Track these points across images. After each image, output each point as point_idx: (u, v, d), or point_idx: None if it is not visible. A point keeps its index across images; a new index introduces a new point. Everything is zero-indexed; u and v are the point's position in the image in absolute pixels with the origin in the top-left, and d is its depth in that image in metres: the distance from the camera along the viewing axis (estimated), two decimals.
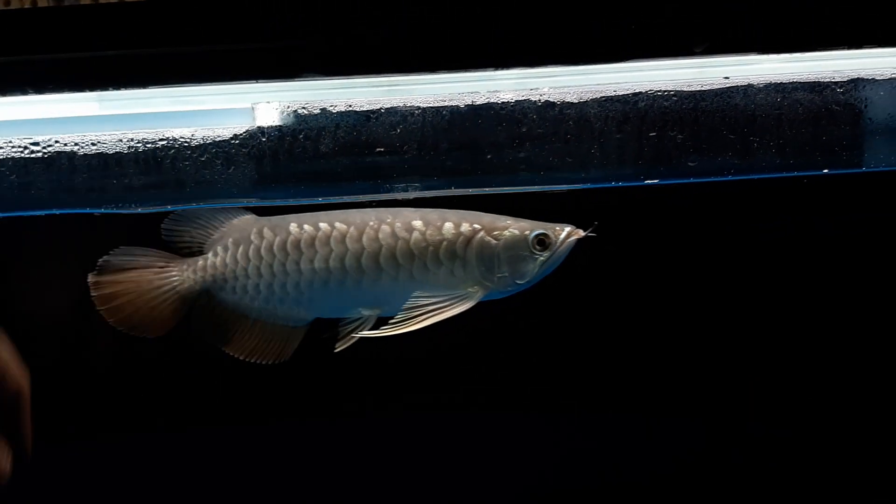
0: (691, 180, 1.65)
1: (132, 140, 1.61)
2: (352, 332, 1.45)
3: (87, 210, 1.64)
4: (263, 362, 1.52)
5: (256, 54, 1.54)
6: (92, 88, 1.56)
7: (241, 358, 1.52)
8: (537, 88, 1.61)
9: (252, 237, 1.50)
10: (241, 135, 1.61)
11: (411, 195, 1.64)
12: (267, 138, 1.61)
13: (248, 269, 1.50)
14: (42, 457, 1.37)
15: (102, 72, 1.54)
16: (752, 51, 1.56)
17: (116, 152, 1.61)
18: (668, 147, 1.63)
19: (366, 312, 1.47)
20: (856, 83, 1.61)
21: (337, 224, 1.48)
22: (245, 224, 1.53)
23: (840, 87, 1.61)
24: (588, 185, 1.65)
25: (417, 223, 1.46)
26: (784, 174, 1.65)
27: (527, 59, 1.57)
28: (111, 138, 1.60)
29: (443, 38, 1.53)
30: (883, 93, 1.62)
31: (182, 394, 1.82)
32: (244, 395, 1.80)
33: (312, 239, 1.48)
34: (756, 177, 1.65)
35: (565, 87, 1.61)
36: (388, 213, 1.48)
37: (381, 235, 1.46)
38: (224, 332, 1.52)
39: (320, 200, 1.65)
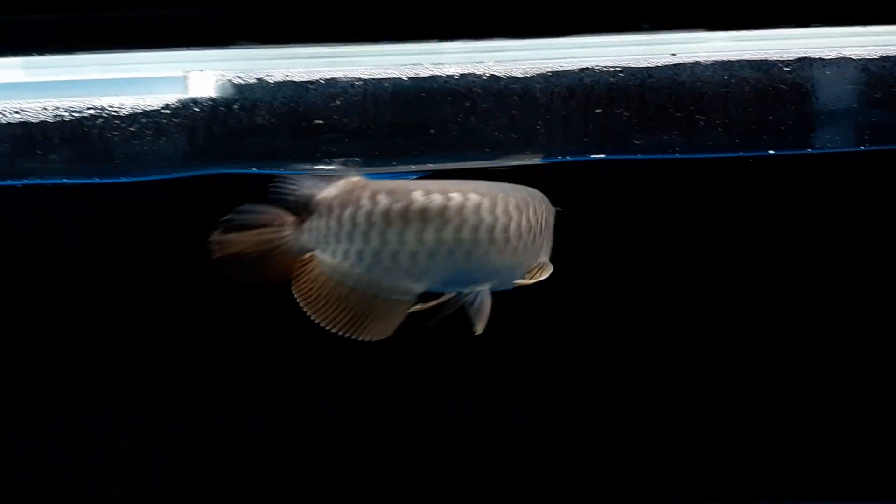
0: (637, 156, 1.60)
1: (58, 108, 1.52)
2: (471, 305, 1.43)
3: (7, 182, 1.54)
4: (361, 338, 1.42)
5: (190, 20, 1.49)
6: (16, 53, 1.49)
7: (336, 331, 1.42)
8: (483, 62, 1.56)
9: (363, 200, 1.42)
10: (172, 105, 1.53)
11: (350, 171, 1.57)
12: (200, 109, 1.53)
13: (355, 233, 1.42)
14: None
15: (29, 36, 1.47)
16: (700, 27, 1.54)
17: (41, 121, 1.52)
18: (614, 124, 1.58)
19: (481, 287, 1.44)
20: (802, 62, 1.59)
21: (471, 195, 1.41)
22: (356, 186, 1.45)
23: (787, 66, 1.58)
24: (534, 161, 1.60)
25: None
26: (730, 154, 1.61)
27: (473, 32, 1.53)
28: (35, 106, 1.52)
29: (388, 6, 1.49)
30: (830, 73, 1.60)
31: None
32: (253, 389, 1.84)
33: (443, 208, 1.40)
34: (702, 156, 1.61)
35: (511, 60, 1.56)
36: (501, 185, 1.45)
37: (510, 208, 1.42)
38: (320, 301, 1.42)
39: (254, 171, 1.57)
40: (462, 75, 1.56)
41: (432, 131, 1.57)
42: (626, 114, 1.58)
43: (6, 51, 1.50)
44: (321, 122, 1.55)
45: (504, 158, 1.59)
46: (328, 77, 1.55)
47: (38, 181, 1.55)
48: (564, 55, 1.57)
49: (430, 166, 1.59)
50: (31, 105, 1.52)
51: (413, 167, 1.58)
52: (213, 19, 1.56)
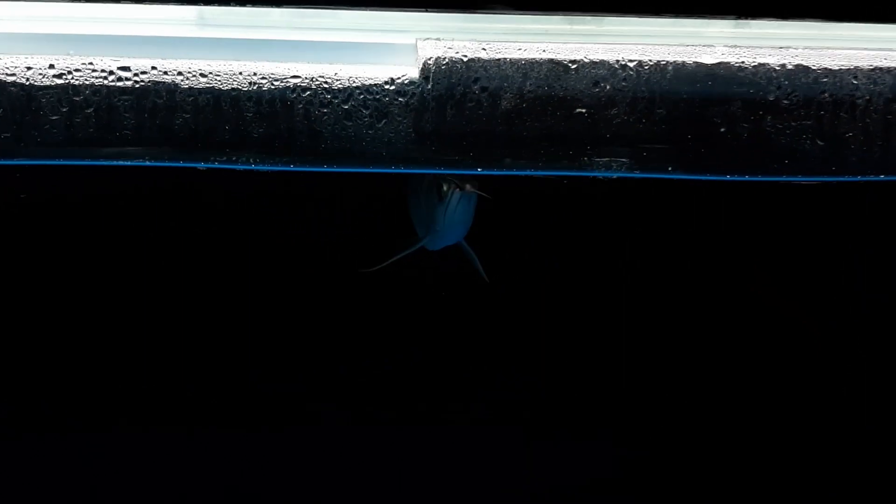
0: None
1: (255, 75, 1.19)
2: None
3: (189, 164, 1.20)
4: None
5: None
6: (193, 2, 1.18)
7: None
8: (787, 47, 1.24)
9: None
10: (398, 79, 1.20)
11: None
12: (432, 86, 1.20)
13: None
14: None
15: None
16: None
17: (232, 89, 1.19)
18: None
19: None
20: None
21: None
22: None
23: None
24: (840, 178, 1.25)
25: None
26: None
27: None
28: (226, 69, 1.19)
29: None
30: None
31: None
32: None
33: None
34: None
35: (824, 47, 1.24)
36: None
37: None
38: None
39: (496, 173, 1.23)
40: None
41: (722, 130, 1.22)
42: None
43: None
44: (583, 110, 1.21)
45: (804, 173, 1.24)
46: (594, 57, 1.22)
47: (223, 165, 1.20)
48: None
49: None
50: (220, 67, 1.18)
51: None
52: None
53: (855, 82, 1.22)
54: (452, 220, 1.49)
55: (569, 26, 1.24)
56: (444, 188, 1.47)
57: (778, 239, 1.80)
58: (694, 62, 1.23)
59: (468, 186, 1.44)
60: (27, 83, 1.17)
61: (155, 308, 1.84)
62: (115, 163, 1.20)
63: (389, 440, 1.90)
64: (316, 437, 1.90)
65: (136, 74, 1.19)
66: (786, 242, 1.80)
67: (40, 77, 1.17)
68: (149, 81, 1.19)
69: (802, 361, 1.89)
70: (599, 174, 1.23)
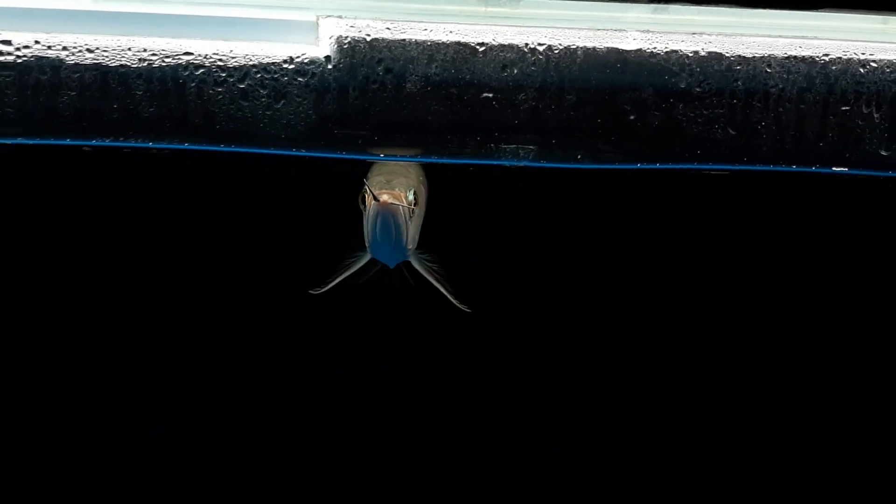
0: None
1: (145, 51, 1.13)
2: None
3: (75, 142, 1.14)
4: None
5: None
6: None
7: None
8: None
9: None
10: (298, 58, 1.15)
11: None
12: (334, 66, 1.15)
13: None
14: None
15: None
16: None
17: (121, 65, 1.13)
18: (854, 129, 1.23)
19: None
20: None
21: None
22: None
23: None
24: (751, 167, 1.23)
25: None
26: None
27: None
28: (114, 44, 1.13)
29: None
30: None
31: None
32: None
33: None
34: None
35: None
36: None
37: None
38: None
39: (399, 160, 1.19)
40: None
41: (631, 118, 1.19)
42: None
43: None
44: (490, 94, 1.16)
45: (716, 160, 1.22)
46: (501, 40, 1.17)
47: (110, 143, 1.14)
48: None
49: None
50: (108, 41, 1.12)
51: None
52: None
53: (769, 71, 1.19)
54: (375, 234, 1.33)
55: (483, 8, 1.20)
56: (366, 198, 1.32)
57: (778, 237, 1.78)
58: (605, 47, 1.18)
59: (387, 198, 1.30)
60: None
61: (154, 308, 1.80)
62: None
63: (389, 440, 1.89)
64: (316, 437, 1.89)
65: (17, 49, 1.12)
66: (784, 240, 1.79)
67: None
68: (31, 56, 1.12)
69: (802, 362, 1.86)
70: (507, 162, 1.19)
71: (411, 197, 1.32)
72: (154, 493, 1.87)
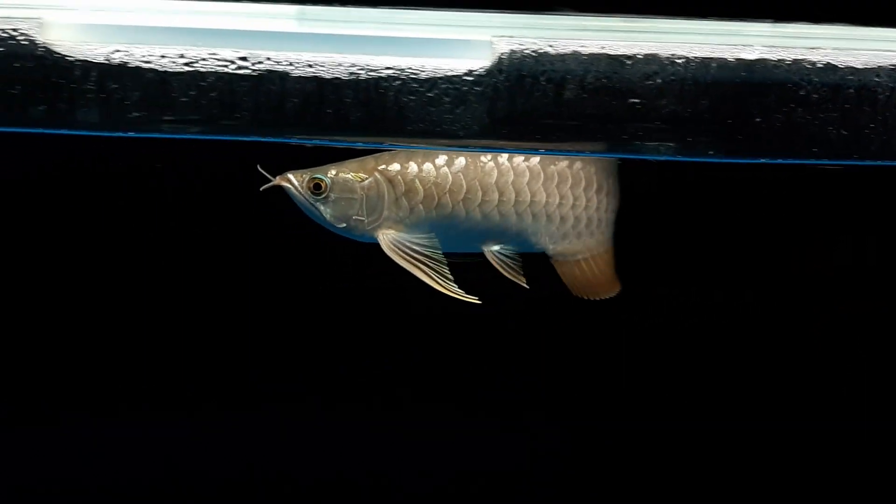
0: None
1: (353, 66, 1.40)
2: None
3: (295, 140, 1.42)
4: None
5: None
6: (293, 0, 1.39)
7: None
8: (817, 48, 1.41)
9: None
10: (475, 71, 1.40)
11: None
12: (504, 77, 1.40)
13: None
14: None
15: None
16: None
17: (334, 77, 1.40)
18: None
19: None
20: None
21: None
22: None
23: None
24: (862, 163, 1.42)
25: None
26: None
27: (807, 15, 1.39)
28: (329, 61, 1.40)
29: None
30: None
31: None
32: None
33: None
34: None
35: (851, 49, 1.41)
36: None
37: None
38: None
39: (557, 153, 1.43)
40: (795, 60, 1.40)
41: (758, 120, 1.40)
42: None
43: None
44: (636, 100, 1.39)
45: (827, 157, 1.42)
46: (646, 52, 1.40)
47: (326, 142, 1.41)
48: None
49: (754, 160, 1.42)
50: (323, 59, 1.39)
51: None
52: None
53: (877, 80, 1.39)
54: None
55: (625, 24, 1.43)
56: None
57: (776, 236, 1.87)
58: (735, 59, 1.41)
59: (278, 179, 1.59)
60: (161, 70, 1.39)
61: (154, 308, 1.87)
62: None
63: (387, 440, 1.89)
64: (320, 436, 1.90)
65: (253, 64, 1.41)
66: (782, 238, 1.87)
67: (172, 64, 1.39)
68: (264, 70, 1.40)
69: (801, 361, 1.89)
70: (649, 157, 1.42)
71: (327, 179, 1.61)
72: (155, 490, 1.89)
